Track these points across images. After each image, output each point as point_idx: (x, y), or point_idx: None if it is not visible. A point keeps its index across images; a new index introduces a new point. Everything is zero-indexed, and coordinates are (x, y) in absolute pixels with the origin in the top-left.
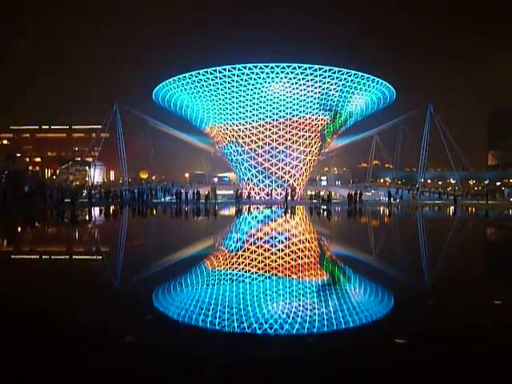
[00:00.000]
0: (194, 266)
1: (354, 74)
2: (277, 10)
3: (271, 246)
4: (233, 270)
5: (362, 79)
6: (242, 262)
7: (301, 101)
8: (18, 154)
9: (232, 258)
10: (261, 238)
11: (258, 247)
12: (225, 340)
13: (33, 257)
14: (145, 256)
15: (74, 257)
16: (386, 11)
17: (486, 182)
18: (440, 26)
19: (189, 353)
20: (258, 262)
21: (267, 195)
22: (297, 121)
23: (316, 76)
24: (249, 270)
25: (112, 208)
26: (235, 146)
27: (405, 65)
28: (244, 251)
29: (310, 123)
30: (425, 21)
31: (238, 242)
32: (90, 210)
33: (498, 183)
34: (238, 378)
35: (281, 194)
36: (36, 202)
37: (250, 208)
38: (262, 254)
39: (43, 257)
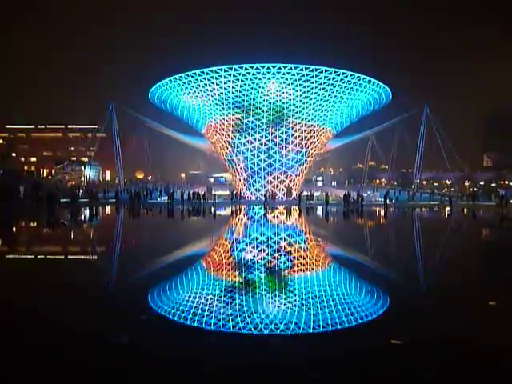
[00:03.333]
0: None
1: (351, 75)
2: (274, 10)
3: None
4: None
5: (359, 80)
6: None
7: (297, 101)
8: (14, 154)
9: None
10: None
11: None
12: (221, 340)
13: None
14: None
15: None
16: (381, 11)
17: (482, 183)
18: (437, 25)
19: (186, 353)
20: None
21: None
22: (293, 121)
23: (312, 77)
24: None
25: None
26: (230, 147)
27: (400, 65)
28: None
29: (305, 124)
30: (422, 20)
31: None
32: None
33: (493, 184)
34: (234, 378)
35: (276, 194)
36: (26, 202)
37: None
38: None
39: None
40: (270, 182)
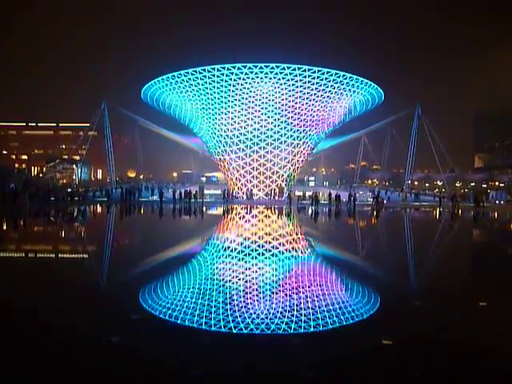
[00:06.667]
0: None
1: (343, 76)
2: (268, 12)
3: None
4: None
5: (351, 80)
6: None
7: (290, 101)
8: (5, 151)
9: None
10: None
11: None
12: (214, 338)
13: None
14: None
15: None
16: (375, 11)
17: (473, 184)
18: (429, 25)
19: (179, 352)
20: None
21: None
22: (285, 121)
23: (305, 76)
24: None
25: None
26: (223, 146)
27: (393, 66)
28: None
29: (298, 123)
30: (414, 21)
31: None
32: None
33: (484, 185)
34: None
35: (268, 194)
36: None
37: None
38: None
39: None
40: (262, 181)
